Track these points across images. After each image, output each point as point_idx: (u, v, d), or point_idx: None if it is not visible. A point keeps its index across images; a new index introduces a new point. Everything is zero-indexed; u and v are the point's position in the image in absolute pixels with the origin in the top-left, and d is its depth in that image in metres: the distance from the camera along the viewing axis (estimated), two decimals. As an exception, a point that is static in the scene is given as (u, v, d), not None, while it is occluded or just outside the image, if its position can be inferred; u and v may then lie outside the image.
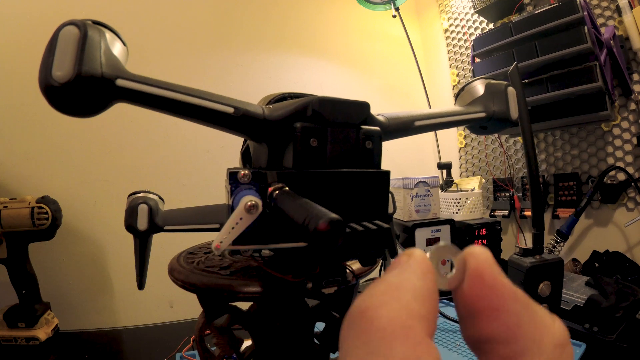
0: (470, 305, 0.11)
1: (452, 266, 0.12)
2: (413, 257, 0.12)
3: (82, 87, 0.22)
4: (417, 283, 0.11)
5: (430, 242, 0.80)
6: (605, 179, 0.86)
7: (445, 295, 0.71)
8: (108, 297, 0.84)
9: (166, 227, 0.36)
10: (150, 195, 0.37)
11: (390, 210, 0.34)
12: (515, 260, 0.41)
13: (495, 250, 0.90)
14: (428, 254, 0.12)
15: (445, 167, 1.04)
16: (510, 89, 0.39)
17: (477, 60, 1.00)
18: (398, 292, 0.11)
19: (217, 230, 0.25)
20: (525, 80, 0.88)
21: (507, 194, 1.07)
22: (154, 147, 0.90)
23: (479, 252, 0.12)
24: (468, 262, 0.12)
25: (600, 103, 0.81)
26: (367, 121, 0.29)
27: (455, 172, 1.21)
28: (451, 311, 0.65)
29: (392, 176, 0.31)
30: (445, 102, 1.29)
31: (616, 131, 0.88)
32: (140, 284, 0.38)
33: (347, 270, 0.30)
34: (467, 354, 0.51)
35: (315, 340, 0.37)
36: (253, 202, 0.23)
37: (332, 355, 0.38)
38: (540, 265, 0.39)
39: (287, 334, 0.33)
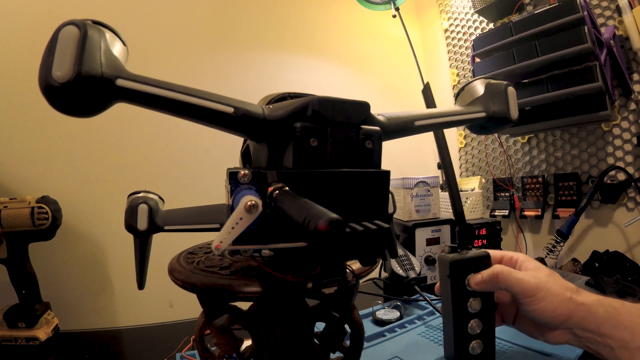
0: None
1: None
2: None
3: (82, 87, 0.22)
4: None
5: (431, 242, 0.80)
6: (605, 179, 0.86)
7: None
8: (108, 297, 0.84)
9: (166, 227, 0.36)
10: (150, 195, 0.37)
11: (390, 210, 0.34)
12: (442, 256, 0.44)
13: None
14: None
15: (445, 167, 1.04)
16: (510, 89, 0.39)
17: (477, 60, 1.00)
18: None
19: (217, 230, 0.25)
20: (525, 80, 0.88)
21: (507, 194, 1.08)
22: (154, 147, 0.90)
23: None
24: None
25: (600, 103, 0.81)
26: (367, 121, 0.29)
27: (455, 172, 1.21)
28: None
29: (392, 176, 0.31)
30: (445, 102, 1.29)
31: (616, 131, 0.88)
32: (140, 284, 0.38)
33: (347, 270, 0.30)
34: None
35: (315, 340, 0.37)
36: (253, 202, 0.23)
37: (332, 355, 0.38)
38: (462, 260, 0.42)
39: (287, 334, 0.33)
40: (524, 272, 0.40)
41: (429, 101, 0.43)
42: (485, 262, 0.42)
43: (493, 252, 0.44)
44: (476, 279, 0.41)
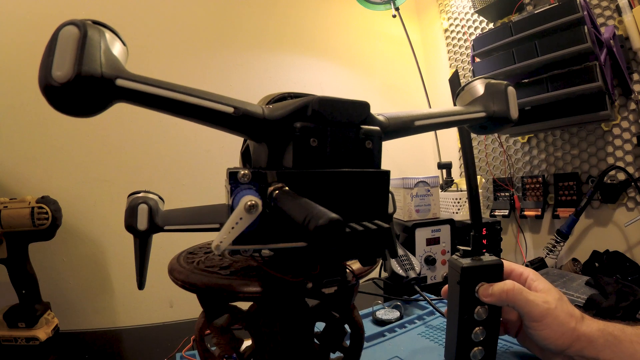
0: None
1: None
2: None
3: (82, 87, 0.22)
4: None
5: (431, 242, 0.80)
6: (605, 178, 0.86)
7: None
8: (108, 297, 0.84)
9: (166, 227, 0.36)
10: (150, 195, 0.37)
11: (390, 210, 0.34)
12: (453, 261, 0.43)
13: (495, 251, 0.90)
14: None
15: (445, 167, 1.04)
16: (510, 89, 0.39)
17: (477, 60, 1.00)
18: None
19: (217, 230, 0.25)
20: (525, 80, 0.88)
21: (507, 194, 1.08)
22: (154, 147, 0.90)
23: None
24: None
25: (600, 103, 0.81)
26: (367, 121, 0.29)
27: (455, 172, 1.21)
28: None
29: (392, 176, 0.31)
30: (445, 102, 1.29)
31: (616, 131, 0.88)
32: (140, 284, 0.38)
33: (347, 270, 0.30)
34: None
35: (315, 340, 0.37)
36: (253, 202, 0.23)
37: (332, 355, 0.38)
38: (474, 268, 0.41)
39: (287, 334, 0.33)
40: (534, 293, 0.40)
41: (456, 91, 0.43)
42: (497, 272, 0.42)
43: (504, 265, 0.43)
44: (486, 292, 0.40)
